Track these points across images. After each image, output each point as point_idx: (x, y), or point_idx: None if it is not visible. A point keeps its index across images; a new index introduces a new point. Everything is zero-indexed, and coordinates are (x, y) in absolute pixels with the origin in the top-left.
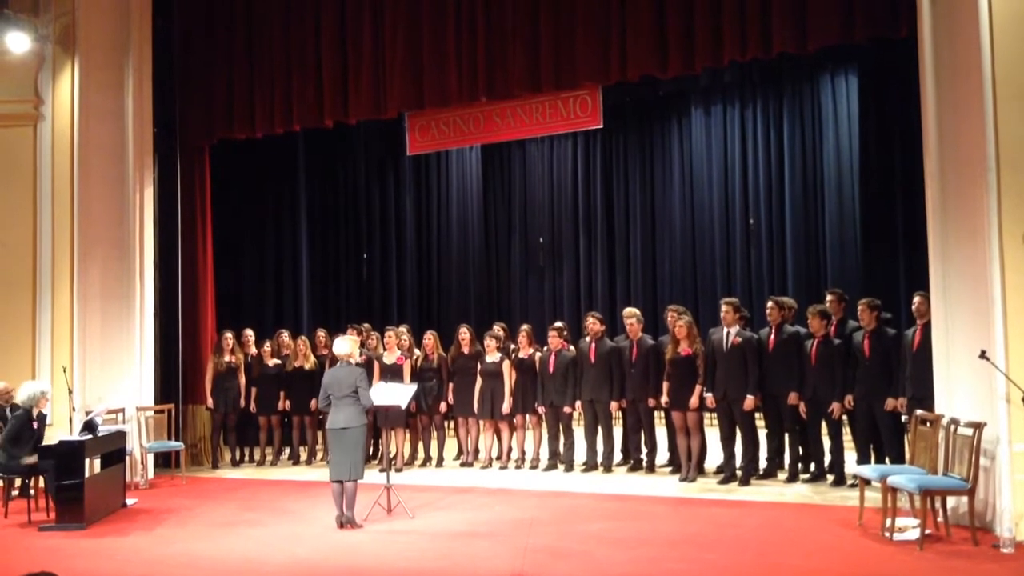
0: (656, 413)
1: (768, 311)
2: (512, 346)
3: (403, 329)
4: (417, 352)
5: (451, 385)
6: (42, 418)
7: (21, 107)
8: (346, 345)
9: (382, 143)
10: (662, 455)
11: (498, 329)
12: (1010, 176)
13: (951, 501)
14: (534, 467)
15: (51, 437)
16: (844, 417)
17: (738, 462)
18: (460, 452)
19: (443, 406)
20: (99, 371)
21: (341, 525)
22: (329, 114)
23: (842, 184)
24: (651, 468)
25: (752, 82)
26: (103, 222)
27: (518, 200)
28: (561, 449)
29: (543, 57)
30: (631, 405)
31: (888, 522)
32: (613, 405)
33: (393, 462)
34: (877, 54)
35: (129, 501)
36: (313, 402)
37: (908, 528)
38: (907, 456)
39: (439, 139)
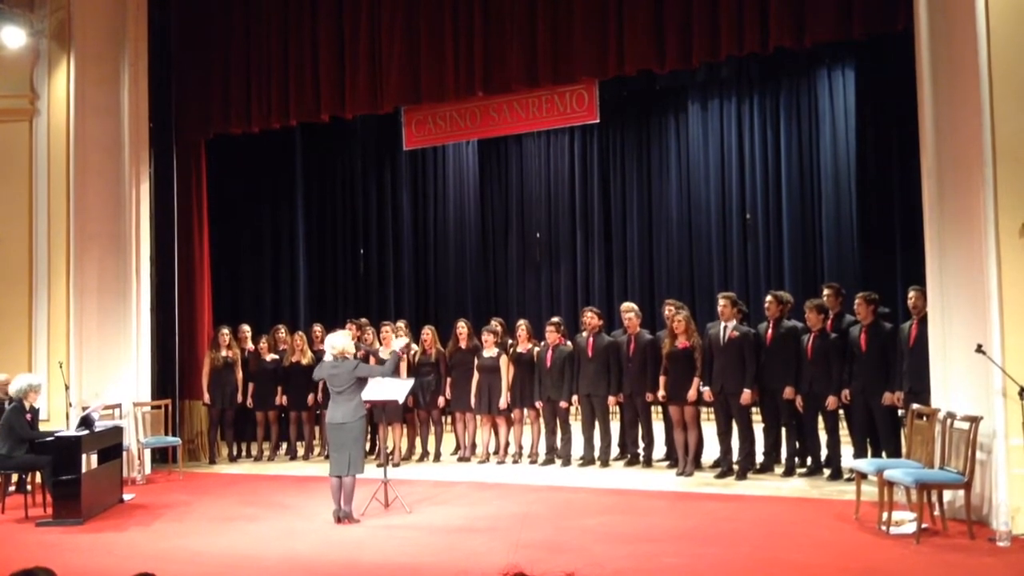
0: (653, 408)
1: (767, 305)
2: (510, 341)
3: (400, 324)
4: (415, 347)
5: (449, 380)
6: (35, 412)
7: (17, 102)
8: (343, 340)
9: (379, 138)
10: (659, 449)
11: (496, 324)
12: (1007, 171)
13: (947, 495)
14: (532, 462)
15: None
16: (841, 411)
17: (735, 456)
18: (458, 447)
19: (441, 401)
20: (96, 366)
21: (339, 520)
22: (326, 109)
23: (839, 179)
24: (648, 462)
25: (749, 77)
26: (99, 217)
27: (515, 195)
28: (558, 444)
29: (540, 52)
30: (628, 400)
31: (884, 516)
32: (611, 400)
33: (390, 457)
34: (874, 49)
35: (126, 496)
36: (311, 397)
37: (904, 522)
38: (903, 450)
39: (436, 134)
